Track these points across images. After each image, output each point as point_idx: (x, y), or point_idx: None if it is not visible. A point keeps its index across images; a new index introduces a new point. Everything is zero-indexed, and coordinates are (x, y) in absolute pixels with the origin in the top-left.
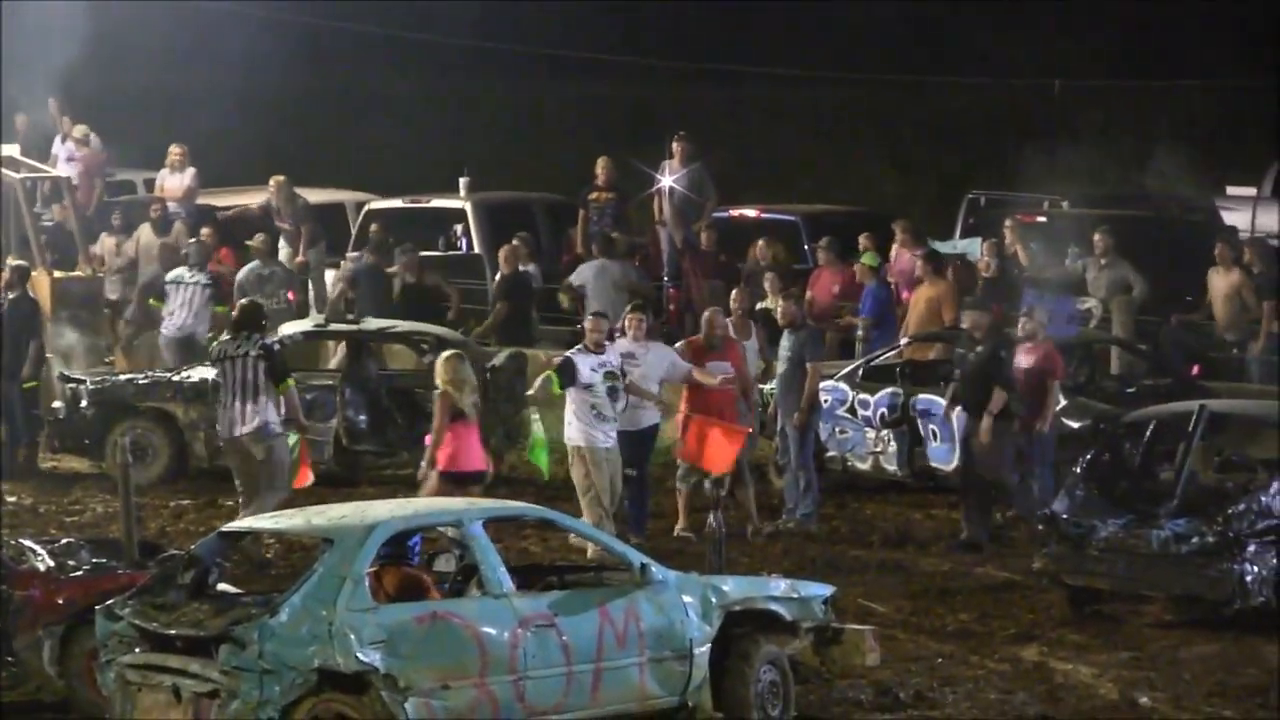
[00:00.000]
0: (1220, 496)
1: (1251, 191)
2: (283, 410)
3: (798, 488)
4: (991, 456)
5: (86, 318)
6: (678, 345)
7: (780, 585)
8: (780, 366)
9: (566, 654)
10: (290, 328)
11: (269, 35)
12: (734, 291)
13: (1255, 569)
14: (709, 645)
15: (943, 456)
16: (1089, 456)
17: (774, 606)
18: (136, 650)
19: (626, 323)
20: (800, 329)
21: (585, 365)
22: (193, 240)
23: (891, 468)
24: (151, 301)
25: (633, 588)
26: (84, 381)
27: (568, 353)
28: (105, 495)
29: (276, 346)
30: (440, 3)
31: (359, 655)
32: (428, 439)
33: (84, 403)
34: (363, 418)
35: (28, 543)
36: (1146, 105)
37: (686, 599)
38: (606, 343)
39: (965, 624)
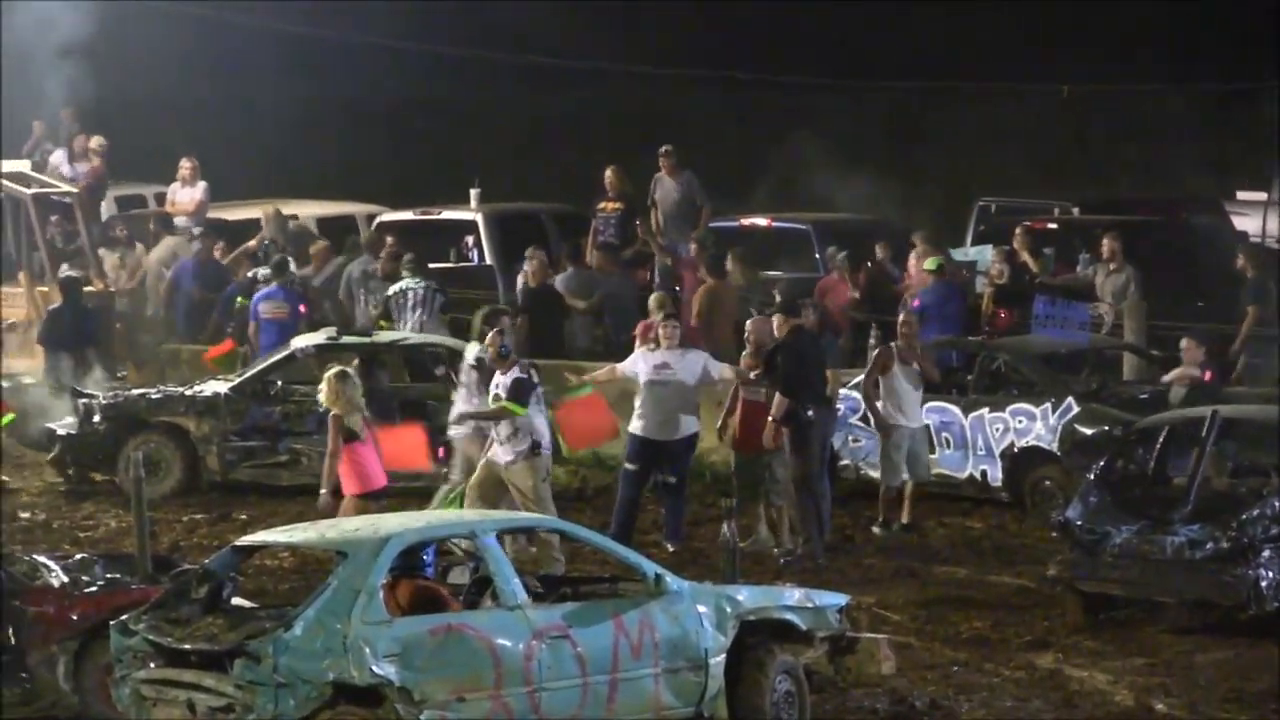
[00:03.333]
0: (1234, 502)
1: (1262, 196)
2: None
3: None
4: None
5: (100, 333)
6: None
7: (795, 595)
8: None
9: (581, 665)
10: (304, 340)
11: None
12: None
13: (1270, 574)
14: (724, 655)
15: (954, 464)
16: (1102, 463)
17: (788, 616)
18: (151, 665)
19: (661, 331)
20: (820, 336)
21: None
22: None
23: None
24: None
25: (647, 598)
26: (96, 397)
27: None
28: (118, 510)
29: None
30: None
31: (374, 668)
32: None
33: (97, 418)
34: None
35: (41, 558)
36: (1155, 110)
37: (701, 609)
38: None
39: (980, 631)
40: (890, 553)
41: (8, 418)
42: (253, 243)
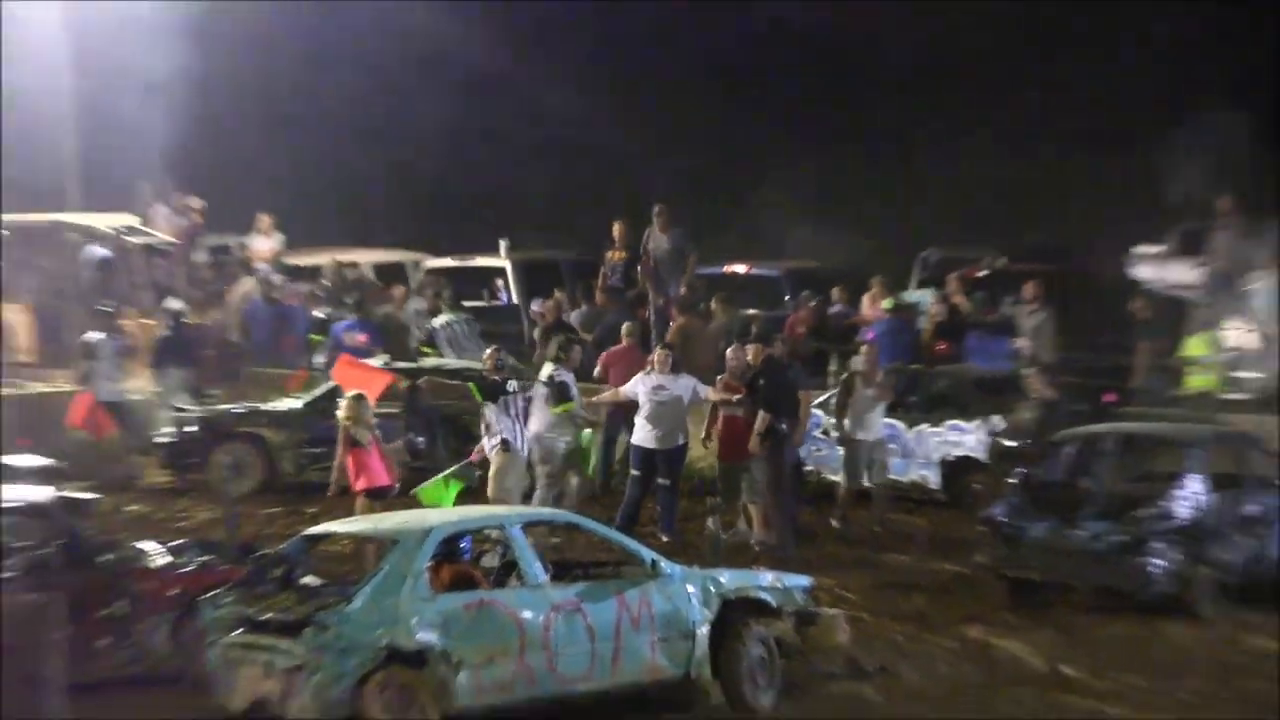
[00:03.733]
0: (1131, 503)
1: (1157, 249)
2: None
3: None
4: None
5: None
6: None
7: (768, 577)
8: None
9: (591, 634)
10: None
11: (336, 124)
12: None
13: (1160, 563)
14: (709, 627)
15: (900, 470)
16: (1023, 470)
17: (762, 595)
18: (237, 632)
19: (656, 359)
20: (790, 364)
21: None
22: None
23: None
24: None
25: (645, 579)
26: (191, 410)
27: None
28: (208, 505)
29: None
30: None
31: (419, 636)
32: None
33: (191, 428)
34: (420, 439)
35: (146, 544)
36: (1066, 174)
37: (690, 589)
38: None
39: (920, 608)
40: (847, 543)
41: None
42: (314, 286)
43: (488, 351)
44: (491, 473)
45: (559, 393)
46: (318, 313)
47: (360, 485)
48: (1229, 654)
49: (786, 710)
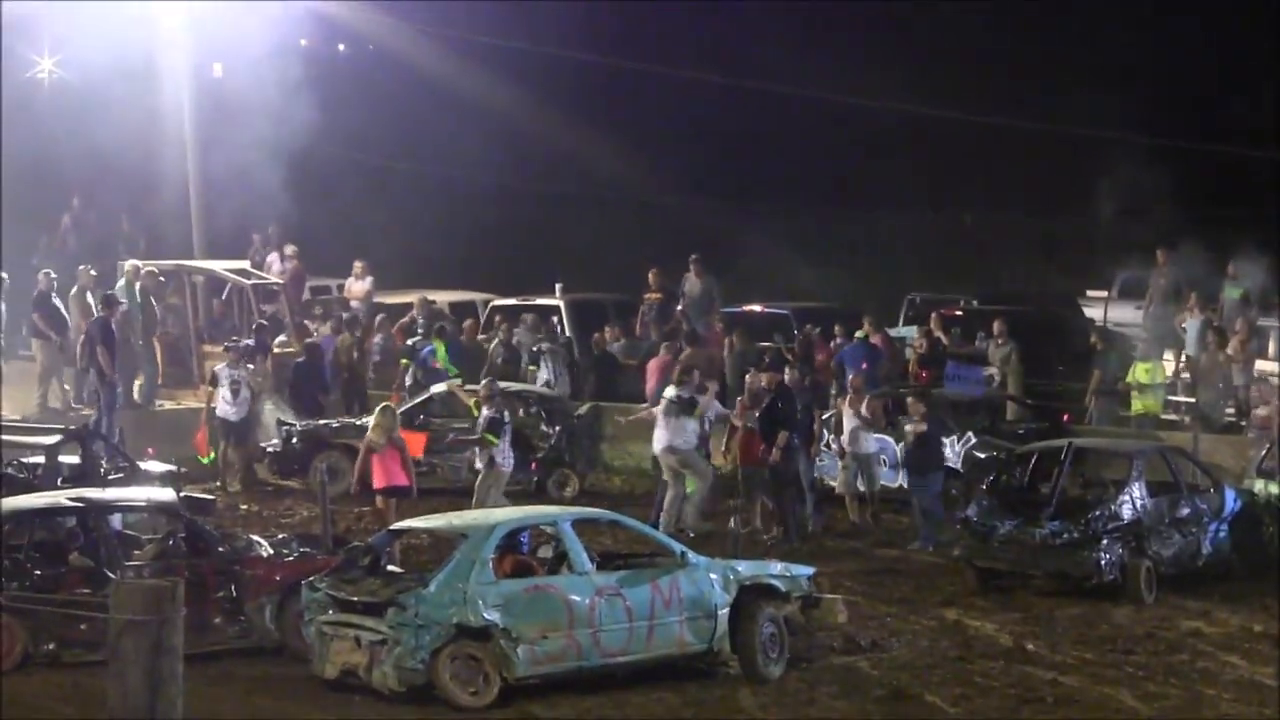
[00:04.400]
0: (1083, 505)
1: (1105, 293)
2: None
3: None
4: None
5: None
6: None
7: (777, 566)
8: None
9: (629, 614)
10: (437, 387)
11: (418, 180)
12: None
13: (1107, 556)
14: (729, 608)
15: (890, 477)
16: (992, 477)
17: (773, 581)
18: (330, 612)
19: (677, 382)
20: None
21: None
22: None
23: (855, 486)
24: (403, 361)
25: (675, 568)
26: (294, 425)
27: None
28: (308, 504)
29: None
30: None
31: (484, 615)
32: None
33: (294, 440)
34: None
35: (254, 537)
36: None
37: (713, 576)
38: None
39: (905, 594)
40: (845, 537)
41: (209, 458)
42: (405, 319)
43: (483, 383)
44: (479, 484)
45: (688, 407)
46: (409, 341)
47: (379, 484)
48: (1163, 632)
49: (794, 679)
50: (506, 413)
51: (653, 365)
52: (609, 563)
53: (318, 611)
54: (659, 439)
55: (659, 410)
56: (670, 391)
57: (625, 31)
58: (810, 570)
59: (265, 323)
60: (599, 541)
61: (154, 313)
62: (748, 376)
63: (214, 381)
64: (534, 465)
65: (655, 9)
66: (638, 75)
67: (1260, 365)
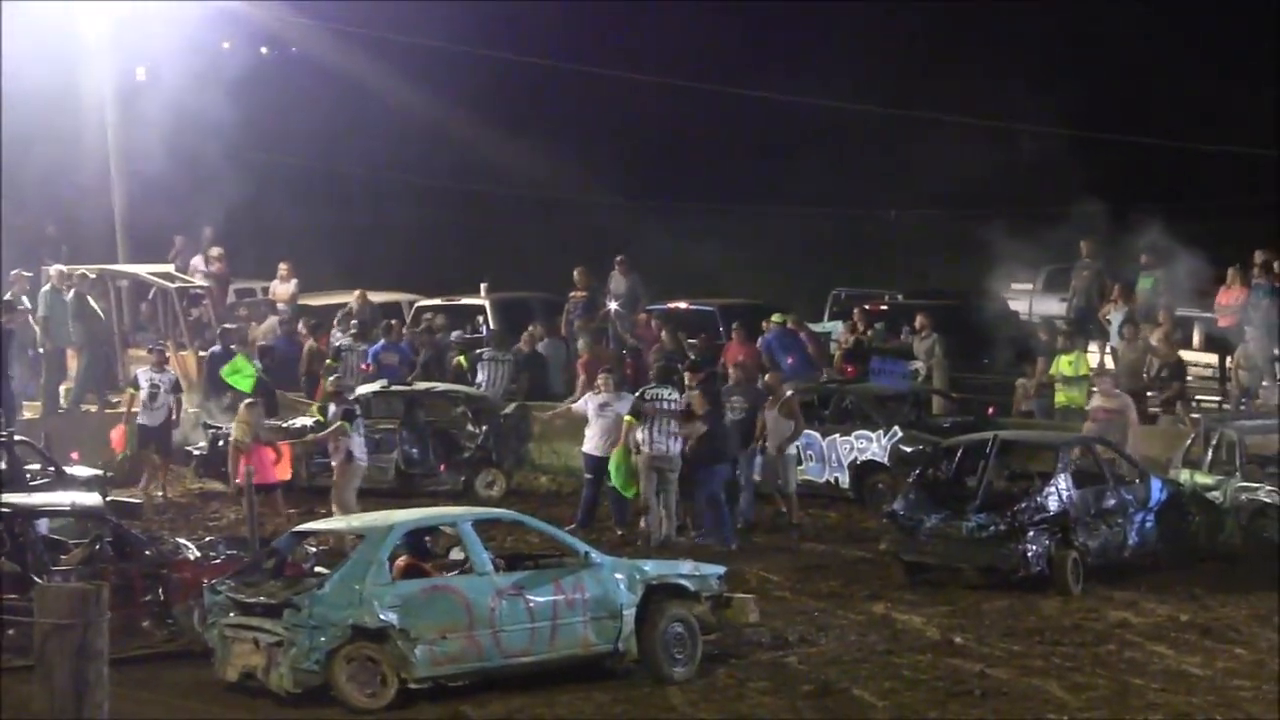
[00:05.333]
0: (1009, 498)
1: (1029, 286)
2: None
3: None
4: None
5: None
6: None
7: (686, 566)
8: (731, 414)
9: (531, 614)
10: (365, 388)
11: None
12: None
13: (1033, 548)
14: (634, 608)
15: (816, 472)
16: (918, 471)
17: (681, 581)
18: (231, 615)
19: (601, 381)
20: (742, 385)
21: None
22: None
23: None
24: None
25: (579, 568)
26: (220, 428)
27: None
28: (235, 507)
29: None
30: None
31: (381, 615)
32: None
33: (220, 443)
34: (415, 451)
35: (181, 540)
36: (950, 230)
37: (618, 576)
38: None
39: (834, 588)
40: (772, 533)
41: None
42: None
43: (329, 379)
44: (336, 480)
45: (345, 417)
46: (336, 343)
47: (250, 481)
48: (1091, 623)
49: (723, 675)
50: (359, 406)
51: (580, 364)
52: (514, 564)
53: (219, 614)
54: (594, 441)
55: (590, 412)
56: (600, 397)
57: (550, 31)
58: (720, 570)
59: (231, 326)
60: (509, 543)
61: (94, 315)
62: (687, 378)
63: (134, 384)
64: (443, 468)
65: (580, 8)
66: (563, 75)
67: (1184, 355)
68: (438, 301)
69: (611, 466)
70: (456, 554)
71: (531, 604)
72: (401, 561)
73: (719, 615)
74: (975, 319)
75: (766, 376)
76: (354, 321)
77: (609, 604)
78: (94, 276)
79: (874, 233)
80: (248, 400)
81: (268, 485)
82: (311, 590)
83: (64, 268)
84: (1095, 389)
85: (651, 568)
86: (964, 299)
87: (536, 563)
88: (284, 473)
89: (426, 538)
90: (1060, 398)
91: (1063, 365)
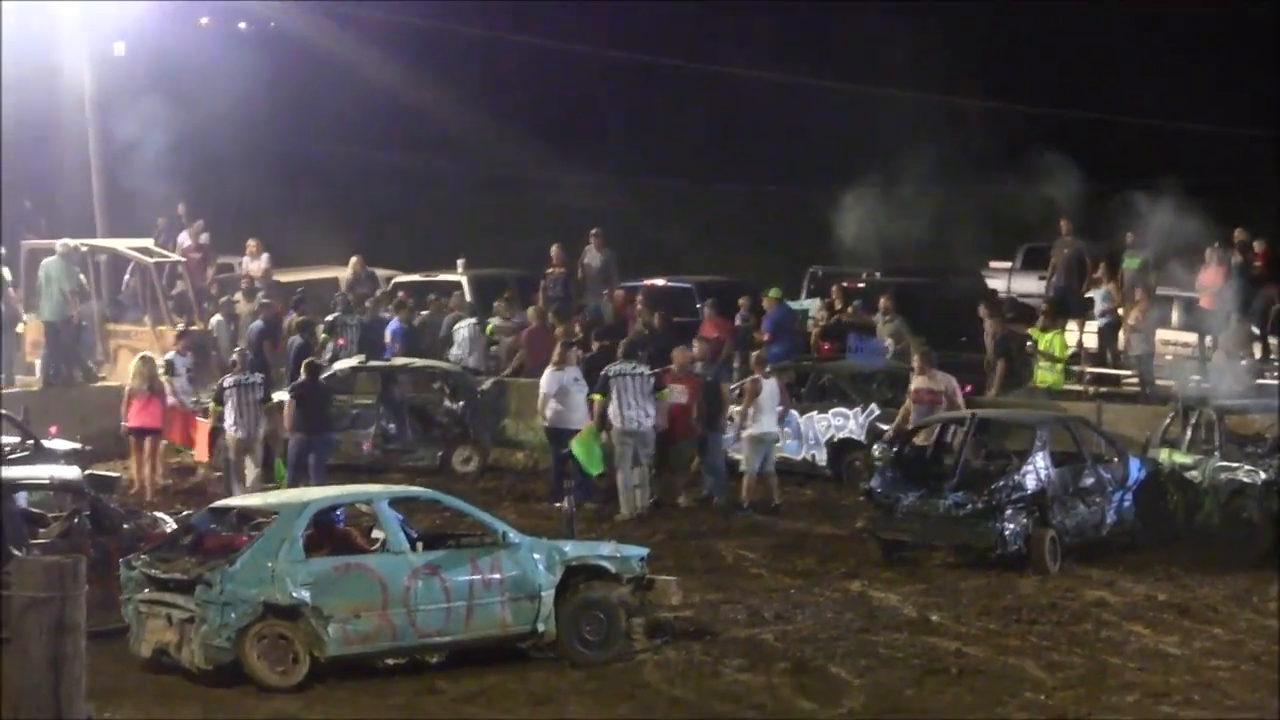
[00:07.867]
0: (986, 476)
1: (1007, 265)
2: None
3: (715, 475)
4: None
5: (201, 358)
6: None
7: (607, 547)
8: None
9: (447, 594)
10: (342, 364)
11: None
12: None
13: (1010, 526)
14: (553, 589)
15: (793, 450)
16: (895, 449)
17: (601, 563)
18: (146, 590)
19: (571, 356)
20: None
21: None
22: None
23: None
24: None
25: (497, 548)
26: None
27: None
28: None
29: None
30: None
31: (293, 593)
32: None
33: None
34: (391, 426)
35: (159, 514)
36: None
37: (536, 556)
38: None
39: (810, 566)
40: (749, 512)
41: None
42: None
43: (234, 353)
44: (232, 456)
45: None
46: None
47: (132, 424)
48: (1068, 602)
49: (699, 652)
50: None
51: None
52: (432, 543)
53: (134, 590)
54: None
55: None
56: (571, 371)
57: (527, 9)
58: (643, 551)
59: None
60: (439, 522)
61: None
62: (675, 351)
63: (170, 371)
64: (368, 445)
65: None
66: (540, 52)
67: (1163, 334)
68: (415, 277)
69: (576, 446)
70: (378, 532)
71: (447, 584)
72: (324, 538)
73: (641, 597)
74: (953, 296)
75: (755, 355)
76: (345, 293)
77: (527, 585)
78: (85, 249)
79: (853, 210)
80: (141, 354)
81: (145, 429)
82: (223, 567)
83: (71, 241)
84: (915, 369)
85: (571, 549)
86: (940, 276)
87: (459, 542)
88: (157, 421)
89: (337, 514)
90: (1038, 377)
91: (1044, 342)
